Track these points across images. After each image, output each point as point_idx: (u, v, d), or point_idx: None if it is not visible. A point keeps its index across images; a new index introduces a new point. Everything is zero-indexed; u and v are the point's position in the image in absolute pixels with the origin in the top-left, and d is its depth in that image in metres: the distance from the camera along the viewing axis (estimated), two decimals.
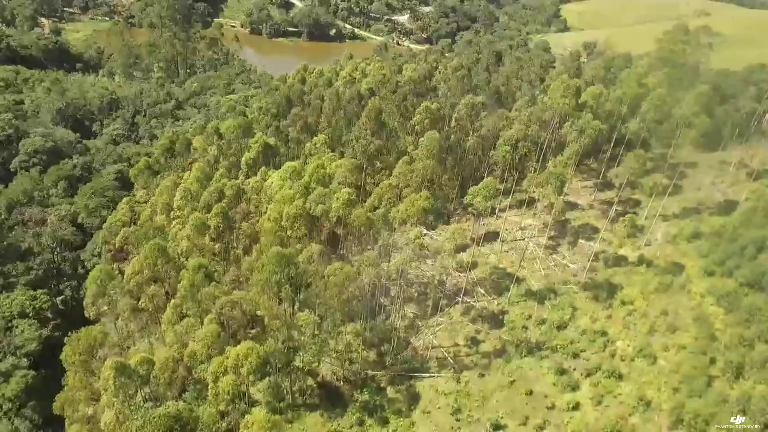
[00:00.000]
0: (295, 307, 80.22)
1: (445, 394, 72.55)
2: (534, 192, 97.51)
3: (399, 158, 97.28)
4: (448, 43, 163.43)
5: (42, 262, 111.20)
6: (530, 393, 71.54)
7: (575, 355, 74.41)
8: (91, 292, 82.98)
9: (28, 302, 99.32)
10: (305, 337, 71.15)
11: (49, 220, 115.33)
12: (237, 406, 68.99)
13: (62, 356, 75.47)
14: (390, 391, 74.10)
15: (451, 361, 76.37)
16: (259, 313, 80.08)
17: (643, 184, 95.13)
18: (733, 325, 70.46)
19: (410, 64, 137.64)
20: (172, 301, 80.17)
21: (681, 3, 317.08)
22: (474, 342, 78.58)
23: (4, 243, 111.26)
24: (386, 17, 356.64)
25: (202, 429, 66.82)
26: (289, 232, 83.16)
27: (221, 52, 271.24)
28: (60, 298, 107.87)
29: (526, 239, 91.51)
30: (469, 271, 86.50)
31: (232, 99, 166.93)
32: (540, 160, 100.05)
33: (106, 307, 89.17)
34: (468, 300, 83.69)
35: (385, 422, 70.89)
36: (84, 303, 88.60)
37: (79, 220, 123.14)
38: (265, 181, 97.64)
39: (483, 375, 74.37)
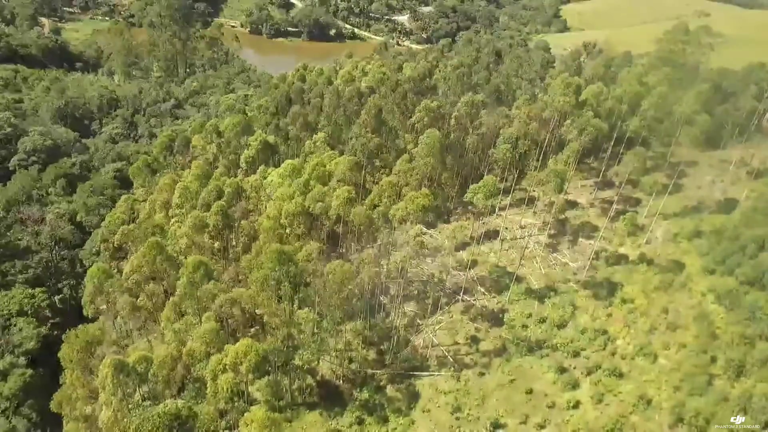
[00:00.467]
0: (295, 305, 79.93)
1: (444, 393, 72.29)
2: (534, 191, 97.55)
3: (399, 157, 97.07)
4: (448, 42, 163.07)
5: (40, 260, 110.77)
6: (530, 391, 71.34)
7: (575, 354, 74.24)
8: (88, 290, 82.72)
9: (26, 300, 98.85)
10: (305, 336, 70.86)
11: (47, 219, 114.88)
12: (236, 404, 68.67)
13: (60, 354, 75.06)
14: (390, 390, 73.83)
15: (451, 359, 76.11)
16: (258, 311, 79.77)
17: (643, 182, 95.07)
18: (734, 324, 70.31)
19: (410, 62, 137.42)
20: (171, 299, 79.81)
21: (681, 4, 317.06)
22: (474, 340, 78.33)
23: (3, 241, 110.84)
24: (386, 17, 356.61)
25: (200, 428, 66.53)
26: (288, 230, 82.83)
27: (221, 51, 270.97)
28: (58, 296, 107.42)
29: (526, 238, 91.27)
30: (469, 269, 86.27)
31: (231, 98, 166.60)
32: (540, 159, 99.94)
33: (104, 306, 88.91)
34: (468, 298, 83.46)
35: (384, 421, 70.63)
36: (82, 301, 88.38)
37: (78, 219, 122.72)
38: (265, 179, 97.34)
39: (483, 374, 74.13)
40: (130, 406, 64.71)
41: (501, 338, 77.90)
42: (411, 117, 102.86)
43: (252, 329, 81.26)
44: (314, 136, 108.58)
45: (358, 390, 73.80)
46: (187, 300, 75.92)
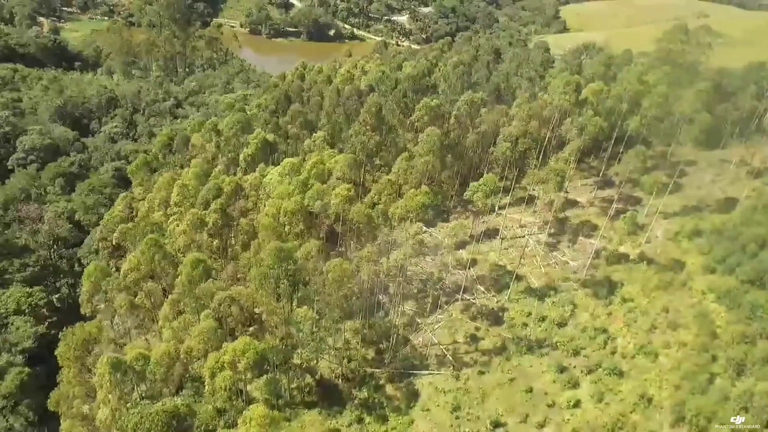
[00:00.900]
0: (294, 303, 79.60)
1: (444, 392, 71.95)
2: (534, 189, 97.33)
3: (398, 155, 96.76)
4: (448, 41, 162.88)
5: (38, 259, 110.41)
6: (530, 390, 71.03)
7: (576, 353, 73.96)
8: (86, 289, 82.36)
9: (23, 299, 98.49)
10: (303, 334, 70.56)
11: (45, 218, 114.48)
12: (234, 403, 68.31)
13: (57, 351, 74.63)
14: (389, 389, 73.49)
15: (451, 358, 75.80)
16: (257, 310, 79.47)
17: (643, 181, 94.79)
18: (735, 323, 70.04)
19: (410, 61, 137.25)
20: (170, 296, 79.45)
21: (679, 5, 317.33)
22: (473, 339, 78.03)
23: (1, 240, 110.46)
24: (385, 18, 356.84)
25: (199, 426, 66.17)
26: (287, 228, 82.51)
27: (220, 51, 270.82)
28: (56, 295, 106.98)
29: (525, 236, 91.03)
30: (469, 268, 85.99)
31: (230, 97, 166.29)
32: (540, 158, 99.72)
33: (102, 305, 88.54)
34: (467, 297, 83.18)
35: (384, 420, 70.27)
36: (79, 300, 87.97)
37: (77, 218, 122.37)
38: (264, 177, 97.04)
39: (483, 372, 73.80)
40: (128, 404, 64.29)
41: (501, 337, 77.59)
42: (411, 115, 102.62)
43: (251, 328, 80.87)
44: (314, 134, 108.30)
45: (358, 389, 73.46)
46: (186, 298, 75.53)
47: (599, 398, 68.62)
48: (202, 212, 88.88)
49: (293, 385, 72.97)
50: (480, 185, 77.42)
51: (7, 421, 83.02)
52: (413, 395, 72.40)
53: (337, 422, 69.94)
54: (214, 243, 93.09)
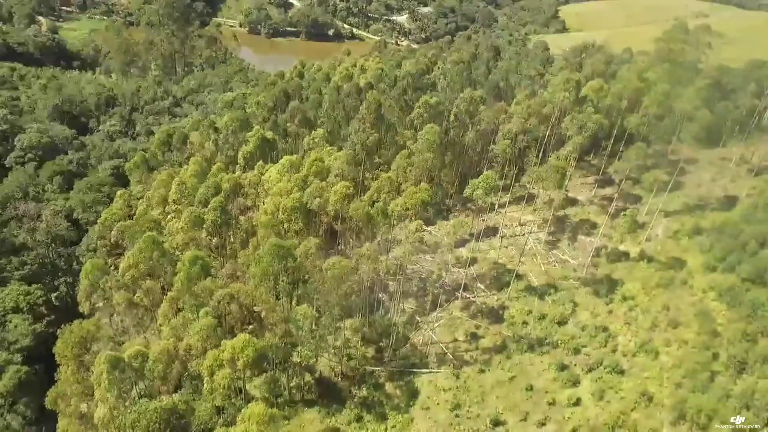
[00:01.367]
0: (293, 301, 79.26)
1: (444, 390, 71.60)
2: (533, 188, 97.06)
3: (398, 153, 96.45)
4: (448, 40, 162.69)
5: (36, 257, 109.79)
6: (530, 389, 70.70)
7: (576, 351, 73.63)
8: (83, 287, 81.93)
9: (21, 297, 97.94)
10: (303, 332, 70.24)
11: (43, 216, 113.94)
12: (233, 401, 67.97)
13: (55, 349, 74.17)
14: (389, 387, 73.14)
15: (451, 356, 75.49)
16: (256, 308, 79.04)
17: (643, 180, 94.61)
18: (736, 321, 69.80)
19: (409, 59, 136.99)
20: (169, 294, 79.05)
21: (679, 5, 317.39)
22: (473, 338, 77.71)
23: None
24: (385, 17, 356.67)
25: (198, 424, 65.82)
26: (285, 226, 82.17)
27: (219, 50, 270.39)
28: (55, 294, 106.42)
29: (525, 235, 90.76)
30: (469, 266, 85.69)
31: (229, 96, 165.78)
32: (540, 156, 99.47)
33: (101, 303, 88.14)
34: (467, 295, 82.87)
35: (383, 418, 69.93)
36: (77, 298, 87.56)
37: (75, 216, 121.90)
38: (263, 175, 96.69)
39: (483, 371, 73.48)
40: (126, 403, 63.90)
41: (501, 335, 77.27)
42: (410, 113, 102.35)
43: (250, 326, 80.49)
44: (313, 132, 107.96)
45: (357, 387, 73.14)
46: (185, 296, 75.15)
47: (600, 396, 68.29)
48: (200, 210, 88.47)
49: (292, 384, 72.62)
50: (480, 182, 77.16)
51: (4, 419, 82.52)
52: (413, 393, 72.06)
53: (336, 420, 69.63)
54: (213, 241, 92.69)
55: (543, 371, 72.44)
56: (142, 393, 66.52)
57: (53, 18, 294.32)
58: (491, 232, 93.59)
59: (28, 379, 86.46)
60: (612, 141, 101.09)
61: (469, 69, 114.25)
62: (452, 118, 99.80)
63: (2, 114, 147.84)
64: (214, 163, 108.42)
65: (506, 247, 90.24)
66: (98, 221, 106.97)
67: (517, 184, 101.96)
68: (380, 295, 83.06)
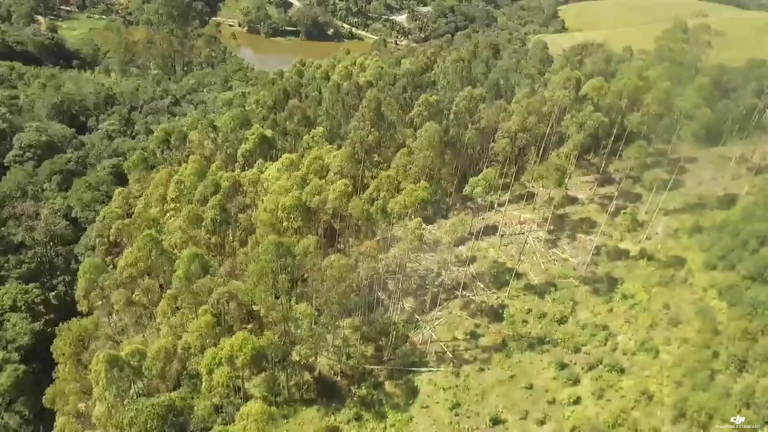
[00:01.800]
0: (292, 300, 78.92)
1: (443, 389, 71.36)
2: (533, 186, 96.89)
3: (397, 152, 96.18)
4: (448, 39, 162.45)
5: (35, 255, 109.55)
6: (530, 387, 70.52)
7: (576, 349, 73.48)
8: (81, 286, 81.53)
9: (19, 296, 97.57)
10: (302, 331, 69.93)
11: (42, 214, 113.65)
12: (232, 399, 67.67)
13: (53, 347, 73.81)
14: (388, 386, 72.86)
15: (450, 355, 75.24)
16: (255, 308, 78.75)
17: (643, 178, 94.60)
18: (736, 319, 69.70)
19: (409, 58, 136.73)
20: (167, 292, 78.72)
21: (678, 5, 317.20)
22: (473, 336, 77.48)
23: None
24: (384, 17, 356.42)
25: (196, 423, 65.51)
26: (285, 224, 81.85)
27: (219, 50, 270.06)
28: (53, 293, 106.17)
29: (525, 233, 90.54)
30: (468, 264, 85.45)
31: (228, 95, 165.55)
32: (539, 155, 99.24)
33: (99, 302, 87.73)
34: (467, 294, 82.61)
35: (382, 417, 69.64)
36: (76, 297, 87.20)
37: (73, 215, 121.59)
38: (262, 173, 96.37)
39: (482, 369, 73.26)
40: (124, 401, 63.56)
41: (500, 334, 77.05)
42: (410, 111, 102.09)
43: (249, 325, 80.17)
44: (313, 130, 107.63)
45: (356, 386, 72.87)
46: (183, 294, 74.82)
47: (600, 395, 68.15)
48: (199, 208, 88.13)
49: (291, 382, 72.32)
50: (480, 180, 76.92)
51: (2, 418, 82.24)
52: (412, 392, 71.81)
53: (335, 419, 69.34)
54: (212, 240, 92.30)
55: (543, 370, 72.26)
56: (140, 392, 66.16)
57: (52, 17, 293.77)
58: (491, 230, 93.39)
59: (26, 378, 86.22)
60: (612, 139, 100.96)
61: (468, 67, 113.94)
62: (452, 116, 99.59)
63: (1, 113, 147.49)
64: (213, 162, 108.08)
65: (506, 246, 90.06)
66: (97, 220, 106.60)
67: (516, 183, 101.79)
68: (379, 294, 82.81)
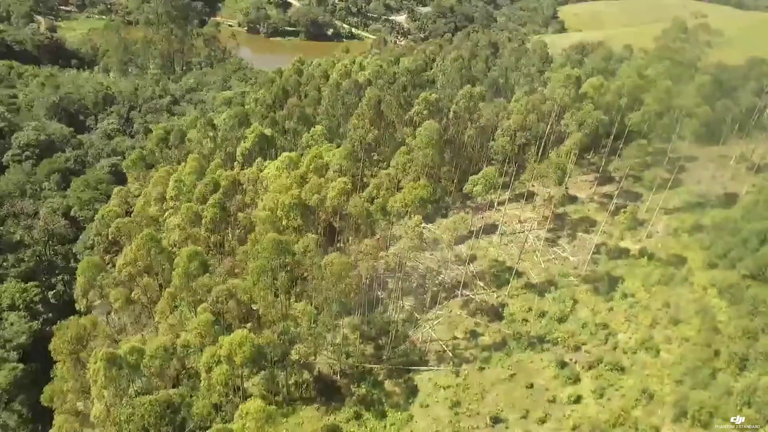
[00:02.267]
0: (292, 299, 78.75)
1: (443, 388, 71.08)
2: (533, 185, 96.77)
3: (397, 150, 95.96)
4: (448, 38, 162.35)
5: (33, 254, 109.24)
6: (531, 386, 70.22)
7: (576, 348, 73.21)
8: (80, 284, 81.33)
9: (18, 295, 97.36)
10: (302, 330, 69.64)
11: (41, 213, 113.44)
12: (231, 398, 67.40)
13: (51, 346, 73.49)
14: (388, 385, 72.62)
15: (450, 354, 75.01)
16: (254, 306, 78.54)
17: (643, 177, 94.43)
18: (737, 317, 69.59)
19: (408, 56, 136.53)
20: (167, 290, 78.49)
21: (677, 5, 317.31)
22: (473, 335, 77.24)
23: None
24: (384, 17, 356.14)
25: (195, 421, 65.24)
26: (284, 222, 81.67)
27: (218, 49, 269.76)
28: (52, 292, 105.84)
29: (525, 232, 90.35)
30: (468, 263, 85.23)
31: (228, 94, 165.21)
32: (539, 153, 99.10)
33: (98, 300, 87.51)
34: (467, 293, 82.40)
35: (382, 416, 69.38)
36: (74, 295, 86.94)
37: (72, 214, 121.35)
38: (261, 171, 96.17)
39: (482, 368, 73.00)
40: (123, 400, 63.27)
41: (500, 333, 76.85)
42: (409, 110, 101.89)
43: (248, 324, 79.93)
44: (312, 129, 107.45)
45: (356, 385, 72.55)
46: (183, 292, 74.59)
47: (600, 394, 67.87)
48: (198, 207, 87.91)
49: (291, 381, 72.06)
50: (480, 178, 76.73)
51: (0, 417, 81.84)
52: (412, 391, 71.55)
53: (335, 418, 69.04)
54: (211, 238, 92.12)
55: (543, 369, 72.00)
56: (139, 390, 65.89)
57: (52, 17, 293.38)
58: (491, 229, 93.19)
59: (24, 378, 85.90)
60: (612, 138, 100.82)
61: (468, 66, 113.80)
62: (451, 114, 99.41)
63: (0, 112, 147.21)
64: (212, 161, 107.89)
65: (506, 245, 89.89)
66: (95, 219, 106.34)
67: (516, 182, 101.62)
68: (379, 293, 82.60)
